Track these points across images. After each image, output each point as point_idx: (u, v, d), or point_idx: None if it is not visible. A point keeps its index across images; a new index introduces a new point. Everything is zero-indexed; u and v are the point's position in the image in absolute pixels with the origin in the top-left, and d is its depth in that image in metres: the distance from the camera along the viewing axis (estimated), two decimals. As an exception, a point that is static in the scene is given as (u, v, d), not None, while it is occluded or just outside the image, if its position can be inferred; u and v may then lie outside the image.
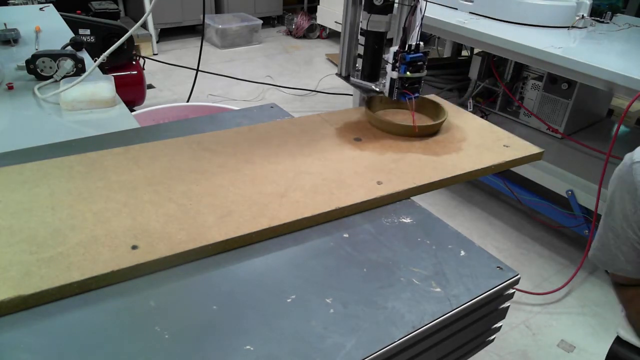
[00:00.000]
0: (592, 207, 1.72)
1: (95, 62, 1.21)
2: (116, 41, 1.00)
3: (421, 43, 0.91)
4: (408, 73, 0.90)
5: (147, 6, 3.60)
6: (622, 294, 0.92)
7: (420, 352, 0.59)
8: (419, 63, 0.91)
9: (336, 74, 1.07)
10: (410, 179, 0.81)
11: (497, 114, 2.27)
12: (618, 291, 0.93)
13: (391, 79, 0.92)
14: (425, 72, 0.92)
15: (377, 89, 0.98)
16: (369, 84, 1.00)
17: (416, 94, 0.93)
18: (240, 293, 0.59)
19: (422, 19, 0.88)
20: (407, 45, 0.90)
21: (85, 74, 1.07)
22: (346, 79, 1.04)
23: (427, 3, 0.89)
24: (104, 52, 1.05)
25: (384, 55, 0.97)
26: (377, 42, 0.97)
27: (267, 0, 4.51)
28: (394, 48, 0.90)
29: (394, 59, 0.90)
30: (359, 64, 1.03)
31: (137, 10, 3.79)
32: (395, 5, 0.93)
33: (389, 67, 0.92)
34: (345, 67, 1.04)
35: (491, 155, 0.90)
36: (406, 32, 0.89)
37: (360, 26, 0.99)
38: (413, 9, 0.88)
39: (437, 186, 0.82)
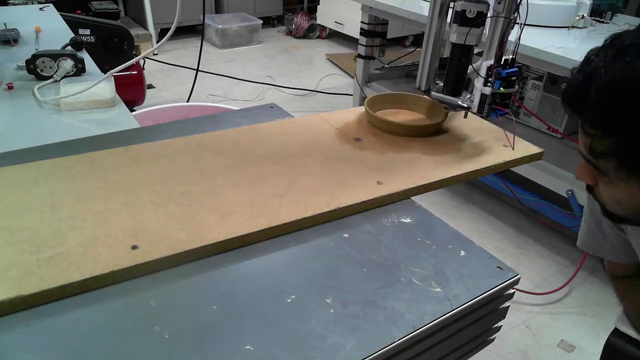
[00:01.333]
0: (592, 207, 1.72)
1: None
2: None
3: (515, 57, 0.87)
4: (502, 89, 0.85)
5: (147, 6, 3.60)
6: (618, 287, 0.93)
7: (420, 352, 0.59)
8: (513, 78, 0.86)
9: (416, 87, 1.00)
10: (410, 179, 0.81)
11: (497, 114, 2.26)
12: (614, 284, 0.94)
13: (482, 94, 0.87)
14: (517, 87, 0.88)
15: (465, 105, 0.93)
16: (453, 98, 0.95)
17: (508, 110, 0.88)
18: (240, 293, 0.59)
19: (521, 31, 0.83)
20: (503, 60, 0.86)
21: (93, 84, 1.06)
22: (427, 92, 0.99)
23: (524, 25, 0.84)
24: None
25: (471, 67, 0.92)
26: (464, 55, 0.92)
27: (267, 0, 4.51)
28: (488, 62, 0.86)
29: (487, 73, 0.85)
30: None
31: (137, 10, 3.79)
32: (488, 18, 0.88)
33: (477, 82, 0.87)
34: (426, 81, 0.99)
35: (491, 155, 0.90)
36: (502, 46, 0.85)
37: (448, 39, 0.94)
38: (512, 23, 0.84)
39: (437, 186, 0.82)
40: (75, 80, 1.18)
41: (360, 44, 2.52)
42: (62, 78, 1.19)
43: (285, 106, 1.13)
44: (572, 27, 1.92)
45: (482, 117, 0.90)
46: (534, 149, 0.94)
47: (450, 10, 0.90)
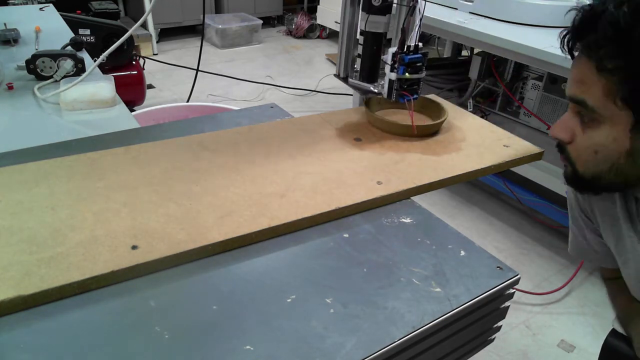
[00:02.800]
0: (592, 207, 1.72)
1: (95, 62, 1.21)
2: (116, 41, 1.00)
3: (420, 44, 0.90)
4: (407, 74, 0.89)
5: (147, 6, 3.60)
6: (608, 289, 0.93)
7: (420, 352, 0.59)
8: (418, 64, 0.90)
9: (334, 74, 1.06)
10: (410, 179, 0.81)
11: (497, 114, 2.27)
12: (605, 286, 0.94)
13: (390, 80, 0.92)
14: (424, 74, 0.91)
15: (376, 90, 0.97)
16: (367, 85, 0.99)
17: (415, 96, 0.92)
18: (240, 293, 0.59)
19: (421, 19, 0.87)
20: (405, 46, 0.89)
21: (85, 74, 1.07)
22: (344, 80, 1.04)
23: (427, 3, 0.88)
24: (104, 52, 1.05)
25: (382, 57, 0.96)
26: (375, 43, 0.96)
27: (267, 0, 4.51)
28: (393, 49, 0.90)
29: (392, 60, 0.89)
30: (358, 65, 1.03)
31: (137, 10, 3.79)
32: (394, 5, 0.92)
33: (387, 68, 0.91)
34: (344, 68, 1.03)
35: (491, 155, 0.90)
36: (404, 32, 0.88)
37: (358, 27, 0.98)
38: (412, 10, 0.88)
39: (437, 186, 0.82)
40: (75, 80, 1.18)
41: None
42: (62, 78, 1.19)
43: (285, 106, 1.13)
44: (572, 27, 1.91)
45: (391, 101, 0.94)
46: (534, 149, 0.94)
47: None
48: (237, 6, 4.34)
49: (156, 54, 3.76)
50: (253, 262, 0.64)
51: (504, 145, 0.94)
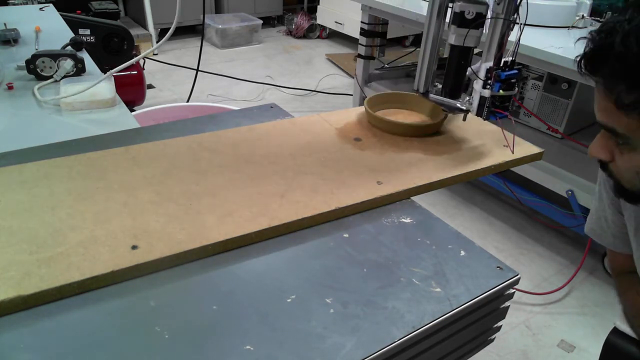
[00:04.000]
0: (592, 207, 1.72)
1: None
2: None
3: (515, 59, 0.85)
4: (501, 91, 0.84)
5: (147, 6, 3.60)
6: (619, 284, 0.93)
7: (420, 352, 0.59)
8: (512, 81, 0.85)
9: (414, 89, 0.99)
10: (410, 179, 0.81)
11: (497, 114, 2.26)
12: (616, 282, 0.94)
13: (481, 97, 0.86)
14: (516, 90, 0.87)
15: (464, 107, 0.92)
16: (452, 101, 0.94)
17: (507, 113, 0.87)
18: (240, 293, 0.59)
19: (520, 33, 0.82)
20: (503, 62, 0.84)
21: (92, 85, 1.06)
22: (425, 95, 0.98)
23: (524, 26, 0.83)
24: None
25: (468, 71, 0.92)
26: (463, 57, 0.91)
27: (267, 0, 4.51)
28: (487, 64, 0.85)
29: (486, 76, 0.84)
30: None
31: (137, 10, 3.79)
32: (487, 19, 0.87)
33: (478, 84, 0.86)
34: (425, 83, 0.98)
35: (491, 155, 0.90)
36: (502, 47, 0.83)
37: (447, 41, 0.93)
38: (512, 25, 0.83)
39: (437, 186, 0.82)
40: (75, 80, 1.18)
41: (360, 44, 2.52)
42: (62, 78, 1.19)
43: (285, 106, 1.13)
44: (572, 27, 1.92)
45: (483, 119, 0.89)
46: (534, 149, 0.94)
47: (449, 11, 0.89)
48: (237, 6, 4.34)
49: (156, 54, 3.76)
50: (253, 262, 0.64)
51: (504, 145, 0.94)
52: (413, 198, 0.80)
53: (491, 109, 0.86)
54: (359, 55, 2.57)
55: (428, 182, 0.81)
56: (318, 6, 4.30)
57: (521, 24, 0.82)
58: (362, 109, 1.03)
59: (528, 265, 1.88)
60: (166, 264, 0.61)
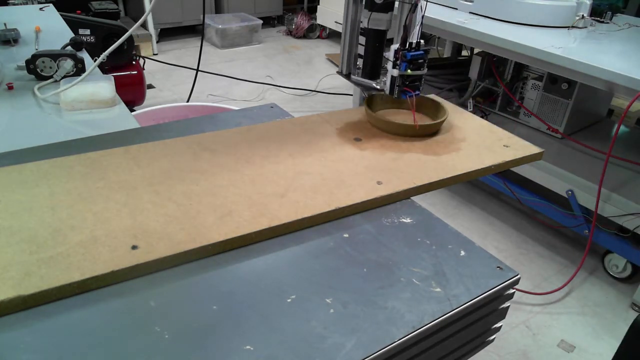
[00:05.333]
0: (592, 207, 1.72)
1: (95, 62, 1.21)
2: (116, 41, 1.00)
3: (422, 41, 0.91)
4: (409, 71, 0.91)
5: (147, 6, 3.60)
6: None
7: (420, 352, 0.59)
8: (420, 61, 0.91)
9: (337, 71, 1.08)
10: (410, 179, 0.81)
11: (497, 114, 2.27)
12: None
13: (392, 76, 0.93)
14: (425, 70, 0.92)
15: (378, 87, 0.98)
16: (369, 81, 1.00)
17: (417, 92, 0.93)
18: (240, 293, 0.59)
19: (422, 17, 0.89)
20: (408, 43, 0.90)
21: (85, 74, 1.07)
22: (347, 76, 1.05)
23: (428, 3, 0.91)
24: (104, 52, 1.05)
25: (384, 54, 0.97)
26: (377, 40, 0.97)
27: (267, 0, 4.51)
28: (395, 46, 0.91)
29: (394, 56, 0.90)
30: (360, 62, 1.04)
31: (137, 10, 3.79)
32: (396, 3, 0.94)
33: (389, 65, 0.92)
34: (347, 65, 1.05)
35: (491, 155, 0.90)
36: (407, 30, 0.90)
37: (361, 24, 1.00)
38: (414, 7, 0.89)
39: (437, 186, 0.82)
40: (75, 80, 1.18)
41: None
42: (62, 78, 1.19)
43: (285, 106, 1.13)
44: (572, 27, 1.92)
45: (393, 98, 0.96)
46: (534, 149, 0.94)
47: None
48: (237, 6, 4.34)
49: (156, 54, 3.76)
50: (253, 262, 0.64)
51: (504, 145, 0.94)
52: (413, 198, 0.80)
53: (401, 88, 0.93)
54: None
55: (428, 182, 0.81)
56: (318, 6, 4.30)
57: (422, 6, 0.89)
58: (362, 109, 1.03)
59: (528, 265, 1.88)
60: (166, 264, 0.61)
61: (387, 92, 0.95)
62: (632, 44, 1.77)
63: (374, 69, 1.01)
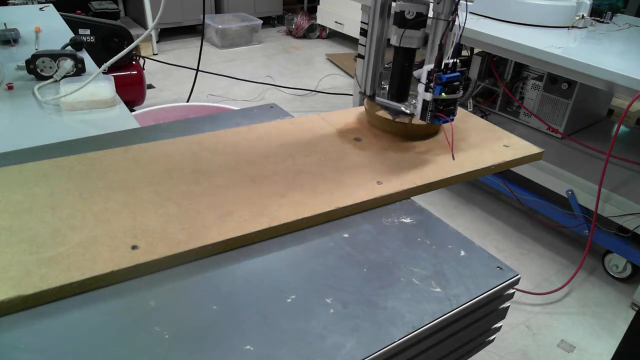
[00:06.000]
0: (592, 207, 1.72)
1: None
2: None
3: (457, 61, 0.81)
4: (443, 94, 0.81)
5: (147, 6, 3.60)
6: None
7: (420, 352, 0.59)
8: (456, 83, 0.81)
9: (359, 92, 0.96)
10: (410, 179, 0.81)
11: (497, 114, 2.27)
12: None
13: (424, 100, 0.83)
14: (460, 93, 0.83)
15: (408, 111, 0.89)
16: (397, 104, 0.91)
17: (451, 117, 0.84)
18: (240, 293, 0.59)
19: (460, 35, 0.79)
20: (443, 64, 0.81)
21: (89, 79, 1.06)
22: (371, 98, 0.95)
23: (465, 21, 0.79)
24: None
25: (414, 73, 0.88)
26: (407, 59, 0.88)
27: (267, 0, 4.51)
28: (428, 67, 0.81)
29: (427, 78, 0.81)
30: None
31: (137, 10, 3.79)
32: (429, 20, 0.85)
33: (421, 88, 0.83)
34: (371, 86, 0.95)
35: (491, 155, 0.90)
36: (442, 49, 0.80)
37: (389, 42, 0.90)
38: (451, 25, 0.80)
39: (437, 186, 0.82)
40: (75, 80, 1.18)
41: (360, 44, 2.52)
42: (62, 78, 1.19)
43: (285, 106, 1.13)
44: (572, 27, 1.92)
45: (427, 123, 0.86)
46: (534, 149, 0.94)
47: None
48: (237, 6, 4.34)
49: (156, 54, 3.76)
50: (253, 262, 0.64)
51: (504, 145, 0.94)
52: (413, 198, 0.80)
53: (434, 113, 0.83)
54: (359, 55, 2.57)
55: (428, 182, 0.81)
56: (318, 6, 4.30)
57: (459, 23, 0.79)
58: (362, 109, 1.03)
59: (528, 265, 1.88)
60: (166, 264, 0.61)
61: (418, 116, 0.85)
62: (632, 44, 1.77)
63: (401, 90, 0.91)
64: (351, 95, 3.08)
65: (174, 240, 0.63)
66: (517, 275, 0.65)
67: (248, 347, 0.51)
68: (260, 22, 4.18)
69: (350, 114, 1.03)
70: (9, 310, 0.54)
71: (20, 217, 0.66)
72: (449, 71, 0.81)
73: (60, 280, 0.56)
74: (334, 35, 4.51)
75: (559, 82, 2.01)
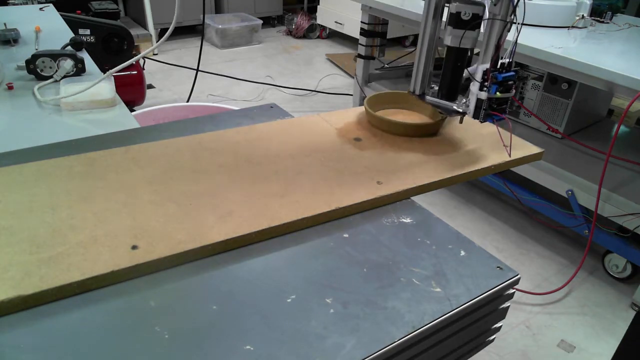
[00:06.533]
0: (592, 207, 1.72)
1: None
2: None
3: (512, 61, 0.83)
4: (498, 93, 0.83)
5: (147, 6, 3.60)
6: None
7: (420, 352, 0.59)
8: (510, 82, 0.83)
9: (409, 91, 0.98)
10: (410, 179, 0.81)
11: (497, 114, 2.27)
12: None
13: (478, 99, 0.84)
14: (513, 92, 0.85)
15: (460, 110, 0.91)
16: (448, 103, 0.93)
17: (504, 115, 0.85)
18: (240, 293, 0.59)
19: (517, 36, 0.80)
20: (499, 64, 0.82)
21: (93, 83, 1.06)
22: (421, 97, 0.97)
23: (522, 25, 0.80)
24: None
25: (464, 73, 0.90)
26: (459, 59, 0.90)
27: (267, 0, 4.51)
28: (484, 66, 0.83)
29: (483, 77, 0.83)
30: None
31: (137, 10, 3.79)
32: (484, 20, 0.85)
33: (474, 86, 0.84)
34: (421, 85, 0.97)
35: (491, 155, 0.90)
36: (499, 49, 0.81)
37: (443, 42, 0.91)
38: (509, 25, 0.81)
39: (437, 186, 0.82)
40: (76, 80, 1.18)
41: (360, 44, 2.52)
42: (62, 78, 1.19)
43: (285, 106, 1.13)
44: (572, 27, 1.92)
45: (480, 122, 0.87)
46: (534, 149, 0.94)
47: (445, 11, 0.88)
48: (237, 6, 4.34)
49: (156, 54, 3.76)
50: (253, 262, 0.64)
51: (504, 146, 0.94)
52: (413, 198, 0.80)
53: (488, 112, 0.85)
54: (359, 55, 2.57)
55: (428, 182, 0.81)
56: (318, 6, 4.30)
57: (519, 24, 0.81)
58: (362, 109, 1.03)
59: (528, 265, 1.88)
60: (166, 264, 0.61)
61: (471, 115, 0.87)
62: (632, 44, 1.77)
63: (451, 89, 0.93)
64: (351, 95, 3.08)
65: (174, 240, 0.63)
66: (517, 275, 0.65)
67: (248, 347, 0.51)
68: (260, 22, 4.18)
69: (350, 114, 1.03)
70: (9, 310, 0.54)
71: (20, 217, 0.66)
72: (504, 70, 0.82)
73: (60, 280, 0.56)
74: (334, 35, 4.51)
75: (559, 82, 2.01)
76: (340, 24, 4.12)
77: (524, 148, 0.93)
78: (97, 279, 0.57)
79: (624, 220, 1.69)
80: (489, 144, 0.94)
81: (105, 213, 0.68)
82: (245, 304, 0.57)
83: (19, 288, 0.54)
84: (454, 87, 0.93)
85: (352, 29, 3.94)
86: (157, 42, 3.85)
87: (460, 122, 0.95)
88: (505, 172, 1.84)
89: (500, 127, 0.92)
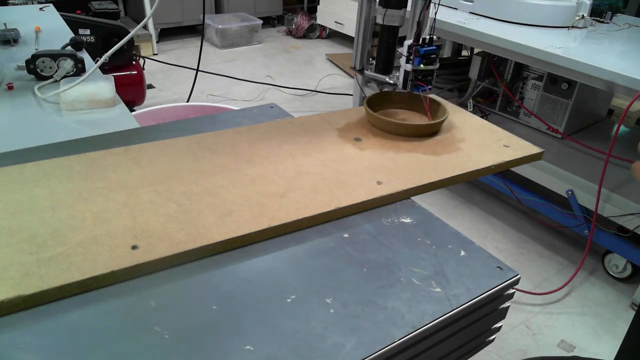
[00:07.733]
0: (592, 207, 1.72)
1: (95, 62, 1.21)
2: (117, 41, 1.00)
3: (434, 36, 0.93)
4: (422, 65, 0.93)
5: (147, 6, 3.60)
6: None
7: (420, 352, 0.59)
8: (433, 56, 0.93)
9: (351, 67, 1.12)
10: (410, 179, 0.81)
11: (497, 114, 2.27)
12: None
13: (405, 71, 0.95)
14: (437, 65, 0.95)
15: (391, 82, 1.02)
16: (383, 76, 1.04)
17: (429, 86, 0.96)
18: (240, 293, 0.59)
19: (436, 12, 0.93)
20: (421, 39, 0.93)
21: (86, 74, 1.07)
22: (360, 72, 1.10)
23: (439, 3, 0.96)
24: (104, 52, 1.05)
25: (397, 49, 1.01)
26: (391, 36, 1.01)
27: (267, 0, 4.51)
28: (409, 41, 0.93)
29: (408, 51, 0.93)
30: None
31: (137, 10, 3.79)
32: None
33: (403, 60, 0.95)
34: (360, 61, 1.10)
35: (491, 155, 0.90)
36: (420, 25, 0.93)
37: (374, 21, 1.03)
38: (428, 3, 0.92)
39: (437, 186, 0.82)
40: (76, 80, 1.18)
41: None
42: (62, 78, 1.19)
43: (285, 106, 1.14)
44: (572, 27, 1.92)
45: (408, 91, 0.98)
46: (534, 149, 0.94)
47: None
48: (237, 6, 4.34)
49: (156, 54, 3.76)
50: (253, 262, 0.64)
51: (504, 145, 0.94)
52: (413, 198, 0.80)
53: (414, 83, 0.96)
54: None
55: (428, 182, 0.81)
56: (318, 6, 4.30)
57: (435, 3, 0.93)
58: (362, 109, 1.03)
59: (528, 265, 1.88)
60: (166, 264, 0.61)
61: (400, 86, 0.98)
62: (632, 44, 1.77)
63: (387, 64, 1.04)
64: (351, 95, 3.08)
65: (174, 240, 0.63)
66: (517, 275, 0.65)
67: (248, 347, 0.51)
68: (260, 22, 4.18)
69: (350, 114, 1.03)
70: (9, 310, 0.54)
71: (20, 217, 0.66)
72: (426, 45, 0.93)
73: (60, 280, 0.56)
74: (334, 35, 4.51)
75: (559, 82, 2.01)
76: (340, 24, 4.12)
77: (524, 148, 0.93)
78: (97, 279, 0.57)
79: (624, 220, 1.69)
80: (488, 144, 0.94)
81: (105, 213, 0.68)
82: (245, 304, 0.57)
83: (19, 288, 0.54)
84: (388, 62, 1.05)
85: (352, 29, 3.94)
86: (156, 42, 3.85)
87: (393, 91, 1.05)
88: (505, 172, 1.84)
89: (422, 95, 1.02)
